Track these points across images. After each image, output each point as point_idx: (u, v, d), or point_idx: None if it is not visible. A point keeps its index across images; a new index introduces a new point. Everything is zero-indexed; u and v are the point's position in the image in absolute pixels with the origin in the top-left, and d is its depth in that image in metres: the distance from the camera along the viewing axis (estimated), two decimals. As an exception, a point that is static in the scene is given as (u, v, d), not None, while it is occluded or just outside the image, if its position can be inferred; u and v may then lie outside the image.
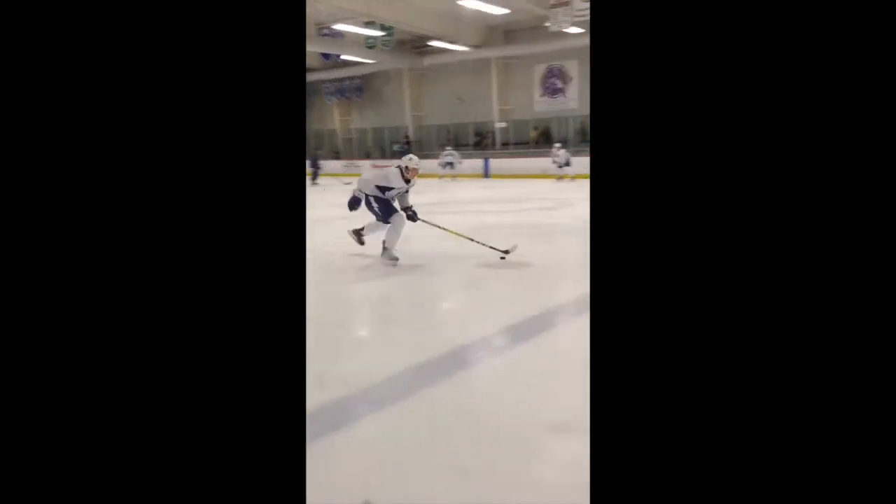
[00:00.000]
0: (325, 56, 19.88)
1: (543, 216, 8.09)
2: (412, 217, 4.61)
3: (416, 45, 18.45)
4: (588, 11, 13.22)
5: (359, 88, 22.03)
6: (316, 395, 1.96)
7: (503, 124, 18.90)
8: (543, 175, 15.57)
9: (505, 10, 14.64)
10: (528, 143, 18.36)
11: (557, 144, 15.42)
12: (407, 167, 4.51)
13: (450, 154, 16.53)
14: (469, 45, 17.81)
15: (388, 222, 4.53)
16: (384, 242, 4.57)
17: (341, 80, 21.97)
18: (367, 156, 20.89)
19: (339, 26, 15.87)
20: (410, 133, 20.36)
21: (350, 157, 21.46)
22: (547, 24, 14.24)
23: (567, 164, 14.46)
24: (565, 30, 14.38)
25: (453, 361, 2.54)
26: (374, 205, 4.56)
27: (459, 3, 13.50)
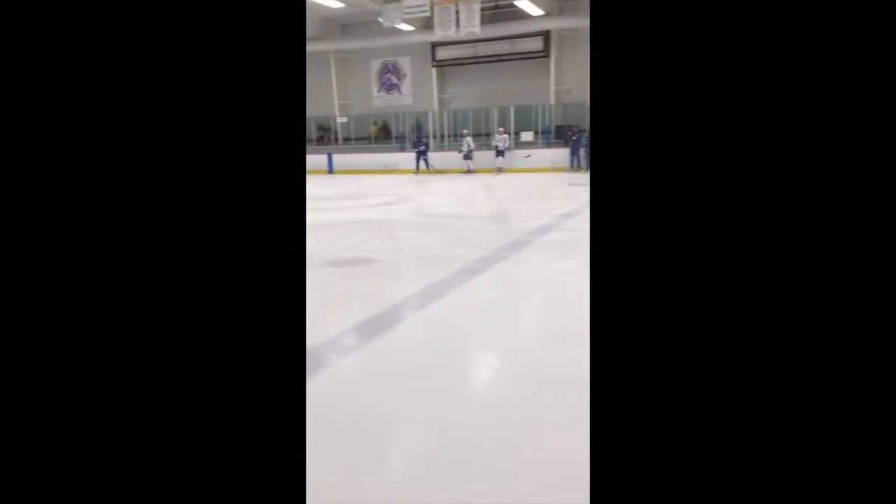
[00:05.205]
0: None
1: (385, 211, 8.32)
2: None
3: (248, 36, 17.61)
4: (418, 9, 13.70)
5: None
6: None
7: (344, 119, 18.82)
8: (384, 171, 15.92)
9: (340, 4, 14.59)
10: (368, 138, 18.51)
11: (465, 131, 15.56)
12: None
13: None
14: (307, 37, 17.39)
15: None
16: None
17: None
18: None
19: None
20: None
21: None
22: (380, 20, 14.44)
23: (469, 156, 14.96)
24: (397, 26, 14.70)
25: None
26: None
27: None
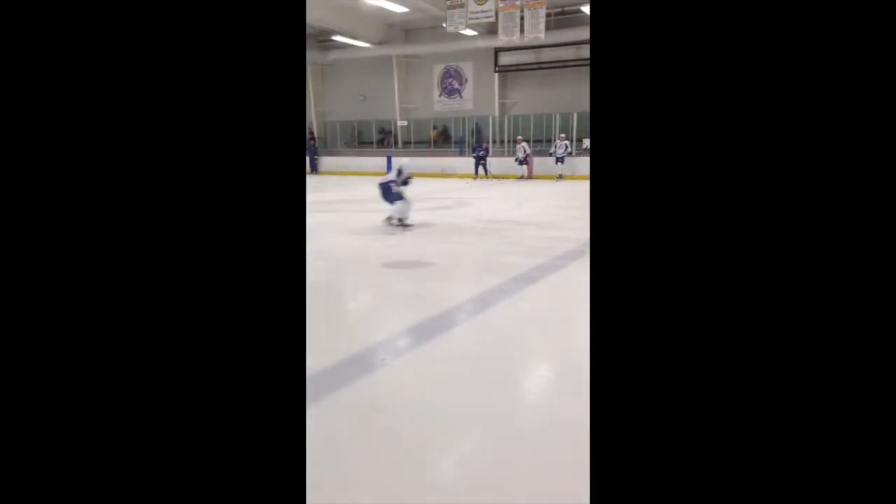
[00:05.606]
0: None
1: (442, 215, 8.32)
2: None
3: (320, 39, 18.15)
4: (482, 15, 13.72)
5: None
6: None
7: (404, 123, 19.04)
8: (442, 174, 16.01)
9: (404, 9, 14.78)
10: (427, 141, 18.65)
11: (519, 136, 15.88)
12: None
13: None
14: (371, 42, 17.79)
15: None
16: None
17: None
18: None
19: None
20: (314, 129, 19.99)
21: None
22: (444, 25, 14.53)
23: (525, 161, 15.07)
24: (461, 31, 14.75)
25: (358, 364, 2.67)
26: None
27: (359, -1, 13.57)
